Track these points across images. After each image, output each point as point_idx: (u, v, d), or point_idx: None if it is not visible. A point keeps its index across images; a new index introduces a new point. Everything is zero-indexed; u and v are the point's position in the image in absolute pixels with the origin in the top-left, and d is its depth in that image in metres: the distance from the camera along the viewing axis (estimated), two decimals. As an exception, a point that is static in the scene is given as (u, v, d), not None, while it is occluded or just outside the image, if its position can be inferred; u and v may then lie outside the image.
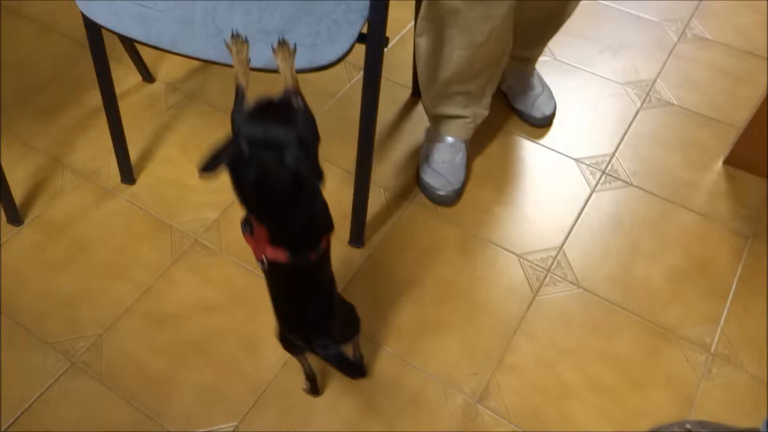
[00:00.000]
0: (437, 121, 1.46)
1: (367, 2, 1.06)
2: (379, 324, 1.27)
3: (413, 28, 1.42)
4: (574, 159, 1.55)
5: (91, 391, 1.18)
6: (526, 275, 1.35)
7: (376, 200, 1.46)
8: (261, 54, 1.03)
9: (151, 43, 1.10)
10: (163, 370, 1.21)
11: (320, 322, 1.00)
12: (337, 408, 1.17)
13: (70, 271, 1.34)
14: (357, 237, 1.37)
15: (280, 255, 0.90)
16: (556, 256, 1.38)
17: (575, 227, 1.43)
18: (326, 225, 0.97)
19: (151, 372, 1.20)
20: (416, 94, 1.66)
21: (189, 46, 1.08)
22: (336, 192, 1.47)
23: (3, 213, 1.40)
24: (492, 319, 1.29)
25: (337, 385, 1.20)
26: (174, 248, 1.38)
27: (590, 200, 1.48)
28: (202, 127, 1.61)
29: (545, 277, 1.35)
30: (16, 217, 1.40)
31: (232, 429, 1.14)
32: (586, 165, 1.54)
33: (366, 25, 1.08)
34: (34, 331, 1.25)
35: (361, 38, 1.08)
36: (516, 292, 1.32)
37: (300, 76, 0.95)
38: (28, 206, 1.44)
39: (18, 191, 1.44)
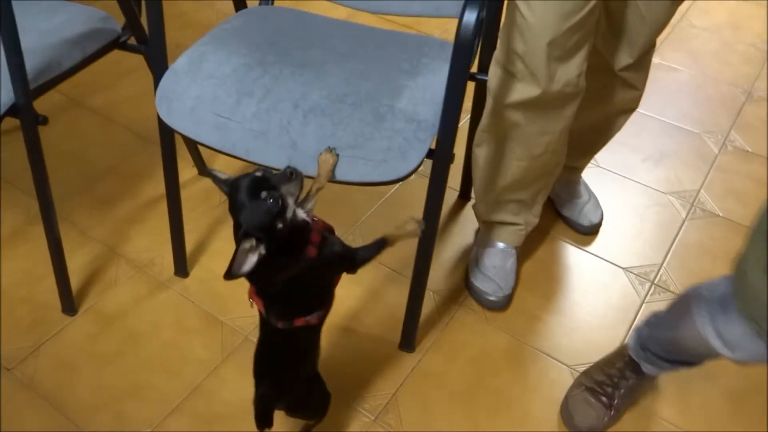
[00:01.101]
0: (489, 226, 1.48)
1: (437, 122, 1.10)
2: (429, 434, 1.25)
3: (467, 138, 1.48)
4: (623, 268, 1.56)
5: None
6: None
7: (425, 303, 1.46)
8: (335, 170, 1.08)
9: (227, 151, 1.14)
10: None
11: (277, 379, 1.05)
12: None
13: (121, 364, 1.34)
14: (408, 342, 1.37)
15: (258, 304, 0.99)
16: None
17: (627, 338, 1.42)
18: (316, 304, 1.01)
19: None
20: (463, 197, 1.70)
21: (262, 156, 1.12)
22: (381, 291, 1.49)
23: (60, 302, 1.42)
24: (545, 433, 1.26)
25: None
26: (224, 345, 1.38)
27: (641, 311, 1.47)
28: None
29: None
30: (71, 307, 1.42)
31: None
32: (635, 275, 1.55)
33: (434, 140, 1.12)
34: (81, 426, 1.24)
35: (428, 153, 1.12)
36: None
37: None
38: (82, 296, 1.46)
39: (74, 280, 1.46)
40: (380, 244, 1.01)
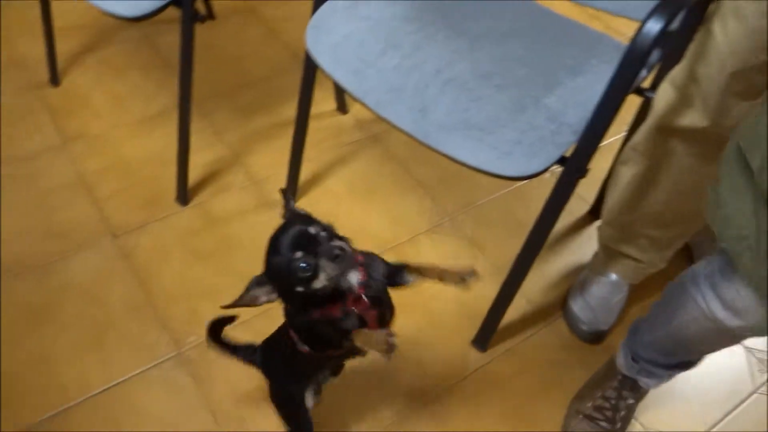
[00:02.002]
0: (609, 253, 1.36)
1: (581, 129, 1.00)
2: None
3: (616, 153, 1.35)
4: (745, 346, 1.38)
5: (183, 387, 1.21)
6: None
7: (513, 308, 1.37)
8: (453, 145, 1.01)
9: (358, 97, 1.11)
10: (256, 391, 1.21)
11: None
12: None
13: (210, 264, 1.40)
14: (482, 340, 1.31)
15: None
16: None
17: (720, 422, 1.26)
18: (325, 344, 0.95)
19: (245, 393, 1.21)
20: (593, 213, 1.56)
21: (390, 112, 1.08)
22: (475, 283, 1.42)
23: (176, 190, 1.49)
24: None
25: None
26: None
27: (747, 401, 1.30)
28: (374, 170, 1.62)
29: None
30: (183, 198, 1.49)
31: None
32: (756, 358, 1.36)
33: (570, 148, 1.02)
34: (159, 309, 1.32)
35: (560, 160, 1.02)
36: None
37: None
38: (197, 191, 1.52)
39: (194, 174, 1.53)
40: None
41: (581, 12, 2.08)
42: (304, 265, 0.78)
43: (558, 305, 1.40)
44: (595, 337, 1.33)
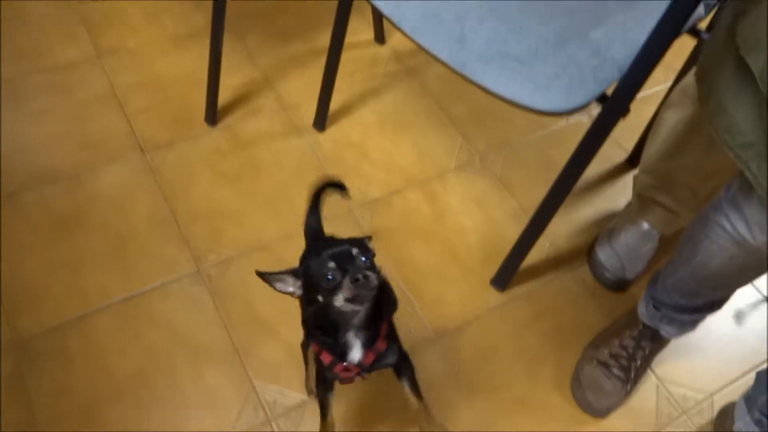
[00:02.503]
0: (642, 202, 1.31)
1: (626, 66, 0.95)
2: (471, 379, 1.20)
3: (665, 95, 1.29)
4: (772, 307, 1.34)
5: (201, 302, 1.23)
6: (657, 403, 1.20)
7: (536, 251, 1.35)
8: (489, 76, 0.98)
9: (394, 21, 1.07)
10: (272, 314, 1.22)
11: None
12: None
13: (234, 186, 1.40)
14: (501, 280, 1.29)
15: None
16: (701, 401, 1.21)
17: (737, 381, 1.24)
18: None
19: (260, 315, 1.23)
20: (631, 162, 1.51)
21: (427, 39, 1.04)
22: (501, 221, 1.40)
23: (205, 110, 1.48)
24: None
25: None
26: (329, 208, 1.38)
27: (770, 360, 1.27)
28: (407, 104, 1.58)
29: (679, 416, 1.19)
30: (212, 119, 1.48)
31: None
32: (783, 319, 1.33)
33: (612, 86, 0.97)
34: (182, 225, 1.32)
35: (600, 98, 0.98)
36: (642, 419, 1.18)
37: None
38: (226, 112, 1.51)
39: (224, 95, 1.52)
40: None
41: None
42: (330, 277, 0.81)
43: (584, 252, 1.38)
44: (619, 285, 1.31)
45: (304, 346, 1.07)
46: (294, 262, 1.28)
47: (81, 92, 1.52)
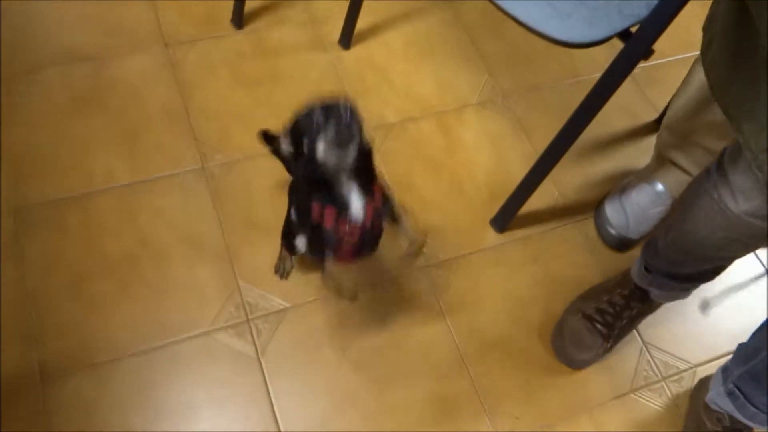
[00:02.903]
0: (660, 161, 1.26)
1: (653, 4, 0.89)
2: (452, 311, 1.19)
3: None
4: (776, 285, 1.29)
5: (200, 198, 1.24)
6: (638, 365, 1.18)
7: (542, 197, 1.32)
8: (515, 3, 0.93)
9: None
10: (268, 219, 1.23)
11: None
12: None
13: (251, 91, 1.39)
14: (501, 221, 1.27)
15: None
16: (683, 371, 1.19)
17: (726, 356, 1.21)
18: None
19: (256, 218, 1.23)
20: (659, 122, 1.45)
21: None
22: (511, 164, 1.36)
23: (232, 12, 1.46)
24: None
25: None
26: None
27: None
28: (438, 33, 1.54)
29: (657, 382, 1.17)
30: (239, 22, 1.46)
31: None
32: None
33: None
34: (193, 122, 1.33)
35: (624, 35, 0.93)
36: (617, 378, 1.17)
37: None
38: (252, 17, 1.49)
39: (252, 1, 1.49)
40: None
41: None
42: (315, 119, 0.83)
43: (592, 207, 1.34)
44: (621, 244, 1.27)
45: (285, 230, 1.09)
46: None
47: (113, -24, 1.52)
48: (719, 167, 0.85)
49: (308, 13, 1.52)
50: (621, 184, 1.32)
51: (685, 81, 1.16)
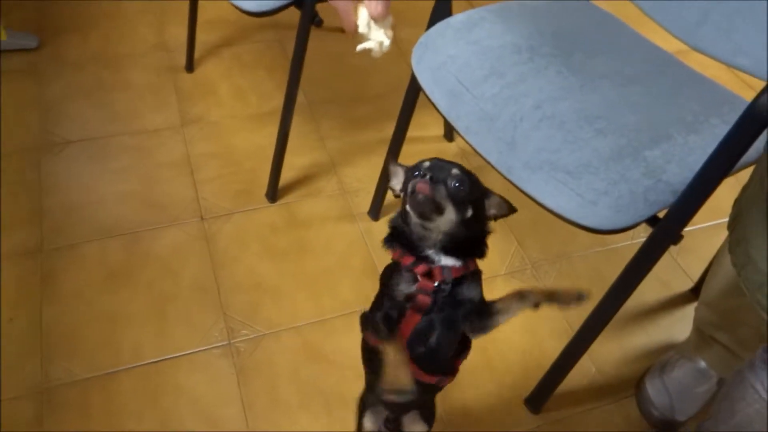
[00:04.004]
0: (701, 337, 1.21)
1: (681, 191, 0.90)
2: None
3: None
4: None
5: (225, 376, 1.22)
6: None
7: (580, 375, 1.27)
8: (535, 185, 0.95)
9: (450, 119, 1.08)
10: (292, 399, 1.19)
11: None
12: None
13: (279, 264, 1.41)
14: (536, 401, 1.21)
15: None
16: None
17: None
18: None
19: (280, 398, 1.20)
20: (695, 292, 1.41)
21: (478, 140, 1.03)
22: (543, 338, 1.32)
23: (267, 186, 1.52)
24: None
25: None
26: (369, 296, 1.36)
27: None
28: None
29: None
30: (273, 195, 1.52)
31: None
32: None
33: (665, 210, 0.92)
34: (222, 296, 1.34)
35: (651, 220, 0.93)
36: None
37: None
38: (287, 190, 1.55)
39: (289, 174, 1.56)
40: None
41: (732, 77, 1.93)
42: (417, 172, 0.77)
43: (632, 384, 1.27)
44: (666, 427, 1.19)
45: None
46: (325, 350, 1.26)
47: (159, 156, 1.61)
48: (763, 362, 0.79)
49: (340, 185, 1.57)
50: (661, 359, 1.26)
51: (721, 254, 1.14)
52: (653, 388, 1.21)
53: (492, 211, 0.84)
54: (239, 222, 1.48)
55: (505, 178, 0.99)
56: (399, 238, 0.84)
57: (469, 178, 0.79)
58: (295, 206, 1.52)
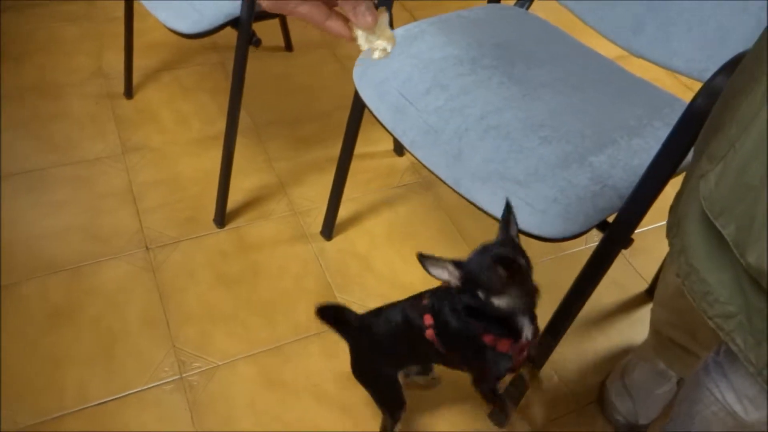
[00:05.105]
0: (658, 339, 1.21)
1: (627, 194, 0.90)
2: None
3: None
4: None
5: (178, 413, 1.16)
6: None
7: (545, 383, 1.26)
8: (483, 195, 0.94)
9: (395, 134, 1.06)
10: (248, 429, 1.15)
11: None
12: None
13: (232, 291, 1.36)
14: (500, 417, 1.18)
15: None
16: None
17: None
18: None
19: (236, 427, 1.15)
20: (651, 293, 1.42)
21: (424, 153, 1.02)
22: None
23: (214, 212, 1.48)
24: None
25: None
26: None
27: None
28: (418, 218, 1.55)
29: None
30: (221, 220, 1.47)
31: None
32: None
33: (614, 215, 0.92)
34: (172, 328, 1.29)
35: (601, 225, 0.92)
36: None
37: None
38: (235, 215, 1.51)
39: (237, 197, 1.52)
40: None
41: (673, 80, 1.97)
42: (498, 281, 0.83)
43: (595, 389, 1.27)
44: (630, 430, 1.18)
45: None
46: (283, 377, 1.22)
47: (100, 186, 1.55)
48: (719, 366, 0.78)
49: (290, 206, 1.54)
50: (621, 363, 1.26)
51: (666, 260, 1.15)
52: (615, 393, 1.21)
53: None
54: (187, 250, 1.43)
55: (454, 190, 0.98)
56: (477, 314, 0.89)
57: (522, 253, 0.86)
58: (244, 230, 1.48)
